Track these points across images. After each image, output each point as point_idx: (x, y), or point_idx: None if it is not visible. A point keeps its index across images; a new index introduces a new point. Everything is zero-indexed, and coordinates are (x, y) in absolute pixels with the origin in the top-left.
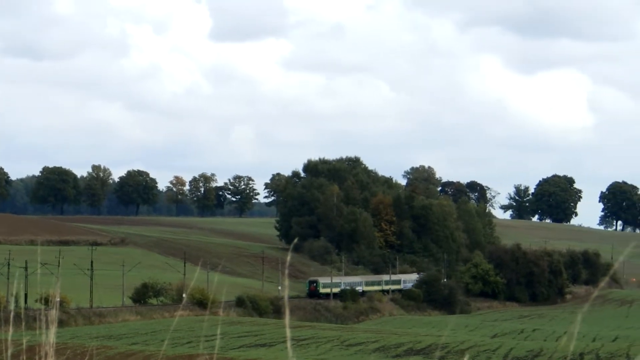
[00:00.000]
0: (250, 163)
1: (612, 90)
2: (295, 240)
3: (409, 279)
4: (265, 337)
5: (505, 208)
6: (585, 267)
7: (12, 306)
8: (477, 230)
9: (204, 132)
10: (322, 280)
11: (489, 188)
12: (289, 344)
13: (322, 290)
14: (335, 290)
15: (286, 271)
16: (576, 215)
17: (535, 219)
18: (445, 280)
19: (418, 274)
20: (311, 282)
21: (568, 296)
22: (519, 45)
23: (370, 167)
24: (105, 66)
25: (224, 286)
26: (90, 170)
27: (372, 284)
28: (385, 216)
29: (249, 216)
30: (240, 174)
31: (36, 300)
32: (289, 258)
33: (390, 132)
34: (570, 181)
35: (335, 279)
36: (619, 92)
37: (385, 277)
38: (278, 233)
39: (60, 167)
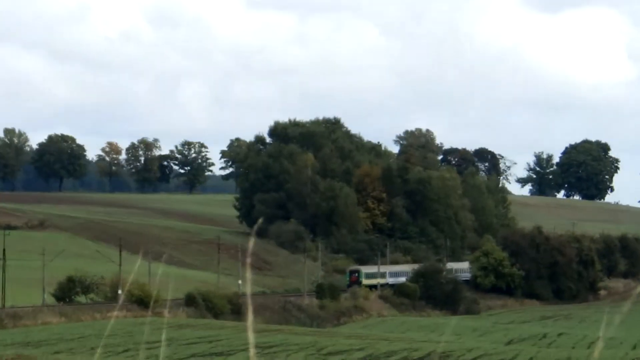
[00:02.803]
0: (202, 126)
1: None
2: (260, 222)
3: (461, 268)
4: (222, 344)
5: (523, 182)
6: (624, 255)
7: None
8: (487, 209)
9: (145, 88)
10: (365, 269)
11: (502, 157)
12: (252, 351)
13: (365, 282)
14: (381, 281)
15: (248, 261)
16: (612, 190)
17: (560, 195)
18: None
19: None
20: (352, 272)
21: (602, 292)
22: None
23: (353, 131)
24: (21, 6)
25: (170, 280)
26: (2, 135)
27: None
28: (372, 192)
29: (201, 192)
30: (190, 140)
31: None
32: (251, 244)
33: (378, 88)
34: (605, 148)
35: (380, 268)
36: None
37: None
38: (237, 214)
39: None
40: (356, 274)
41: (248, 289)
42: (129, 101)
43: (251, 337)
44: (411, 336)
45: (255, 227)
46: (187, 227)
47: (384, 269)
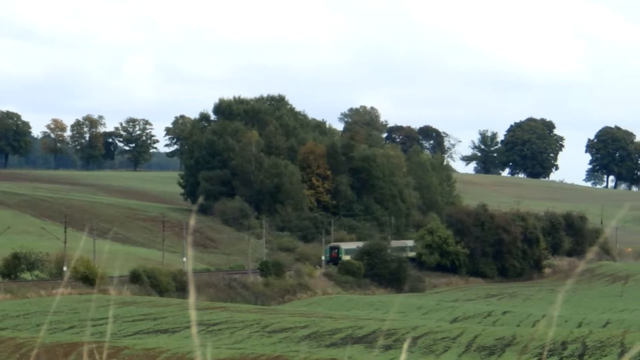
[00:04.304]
0: (148, 103)
1: (605, 11)
2: (201, 200)
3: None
4: (166, 321)
5: (467, 160)
6: (569, 234)
7: None
8: (432, 187)
9: (90, 64)
10: (345, 245)
11: (447, 135)
12: (193, 329)
13: (344, 258)
14: None
15: (189, 238)
16: (557, 169)
17: (505, 173)
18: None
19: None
20: (332, 249)
21: (547, 270)
22: None
23: (298, 109)
24: None
25: (115, 257)
26: None
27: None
28: (316, 170)
29: (145, 169)
30: (135, 117)
31: None
32: (192, 222)
33: (323, 65)
34: (550, 126)
35: (356, 245)
36: (613, 13)
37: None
38: (182, 191)
39: None
40: (336, 250)
41: (190, 267)
42: (74, 77)
43: (193, 315)
44: (356, 314)
45: (196, 205)
46: (132, 204)
47: (362, 244)
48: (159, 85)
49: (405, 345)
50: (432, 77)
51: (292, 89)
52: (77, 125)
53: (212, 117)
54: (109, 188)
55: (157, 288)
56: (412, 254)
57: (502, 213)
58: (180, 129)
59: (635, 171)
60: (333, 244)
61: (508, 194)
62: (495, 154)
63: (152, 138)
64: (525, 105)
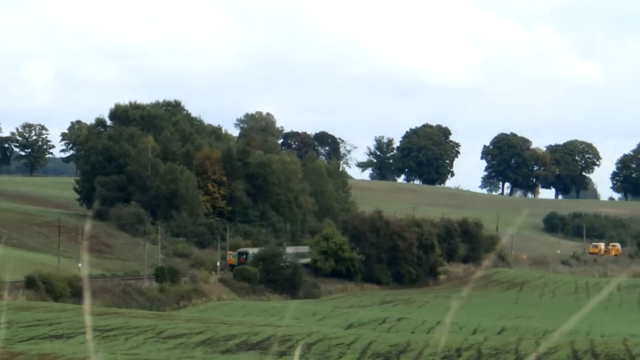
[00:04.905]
0: (43, 108)
1: (501, 18)
2: (96, 205)
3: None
4: (62, 327)
5: (363, 166)
6: (464, 240)
7: None
8: (328, 193)
9: None
10: (252, 251)
11: (342, 141)
12: (88, 335)
13: None
14: None
15: (84, 243)
16: (452, 175)
17: (401, 179)
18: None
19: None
20: (241, 254)
21: (442, 277)
22: None
23: (194, 114)
24: None
25: (10, 262)
26: None
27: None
28: (212, 175)
29: (41, 175)
30: (31, 122)
31: None
32: (87, 227)
33: (219, 71)
34: (446, 132)
35: (259, 250)
36: (509, 20)
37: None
38: (78, 196)
39: None
40: (244, 256)
41: (84, 272)
42: None
43: (88, 320)
44: (251, 320)
45: (91, 211)
46: (28, 209)
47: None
48: (54, 91)
49: (298, 351)
50: (327, 83)
51: (188, 94)
52: None
53: (108, 122)
54: (5, 193)
55: (53, 293)
56: (307, 260)
57: (398, 219)
58: (76, 134)
59: (531, 178)
60: (242, 249)
61: (404, 200)
62: (391, 160)
63: (48, 143)
64: (421, 112)
